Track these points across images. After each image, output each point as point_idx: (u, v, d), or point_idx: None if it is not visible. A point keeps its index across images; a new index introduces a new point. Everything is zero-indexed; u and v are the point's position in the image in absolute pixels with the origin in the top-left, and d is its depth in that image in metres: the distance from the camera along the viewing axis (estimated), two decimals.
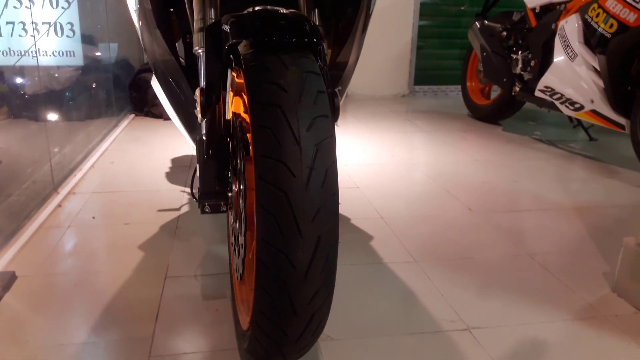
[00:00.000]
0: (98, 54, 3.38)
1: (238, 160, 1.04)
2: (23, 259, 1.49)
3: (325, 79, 1.02)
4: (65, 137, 2.66)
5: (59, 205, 1.90)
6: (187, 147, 2.67)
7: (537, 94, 2.78)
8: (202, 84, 1.07)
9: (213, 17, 1.11)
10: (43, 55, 2.92)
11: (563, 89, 2.61)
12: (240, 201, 1.04)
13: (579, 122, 2.94)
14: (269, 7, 1.01)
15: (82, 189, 2.09)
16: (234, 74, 1.09)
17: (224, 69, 1.07)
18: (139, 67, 3.67)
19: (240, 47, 0.94)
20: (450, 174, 2.37)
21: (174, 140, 2.82)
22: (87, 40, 3.18)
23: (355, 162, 2.53)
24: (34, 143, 2.65)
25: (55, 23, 2.93)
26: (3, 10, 2.74)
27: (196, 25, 1.12)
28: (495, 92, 3.43)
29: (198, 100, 1.04)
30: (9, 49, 2.84)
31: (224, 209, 1.07)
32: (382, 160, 2.60)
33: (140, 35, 1.32)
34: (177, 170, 2.35)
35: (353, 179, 2.25)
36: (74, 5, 2.93)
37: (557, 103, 2.69)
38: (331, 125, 0.88)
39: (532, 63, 2.88)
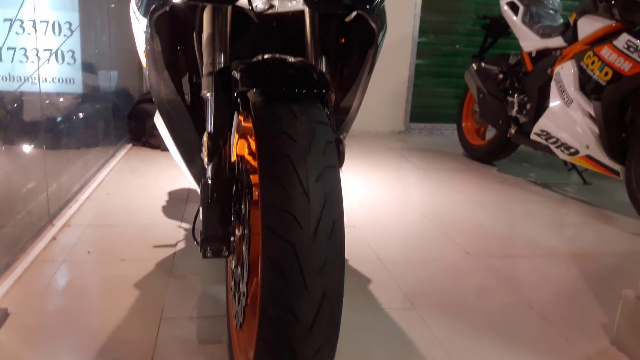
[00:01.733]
0: (98, 82, 3.40)
1: (242, 205, 1.03)
2: (16, 295, 1.46)
3: (332, 127, 1.03)
4: (62, 166, 2.65)
5: (54, 238, 1.88)
6: (183, 179, 2.67)
7: (533, 137, 2.82)
8: (210, 128, 1.07)
9: (222, 62, 1.12)
10: (43, 81, 2.93)
11: (558, 134, 2.64)
12: (244, 247, 1.03)
13: (574, 165, 2.97)
14: (277, 55, 1.03)
15: (77, 221, 2.07)
16: (241, 117, 1.10)
17: (231, 112, 1.08)
18: (138, 96, 3.69)
19: (250, 95, 0.95)
20: (447, 215, 2.38)
21: (171, 172, 2.81)
22: (88, 68, 3.19)
23: (353, 199, 2.53)
24: (30, 171, 2.64)
25: (57, 50, 2.95)
26: (7, 36, 2.76)
27: (205, 69, 1.13)
28: (491, 132, 3.47)
29: (205, 144, 1.04)
30: (9, 74, 2.85)
31: (226, 253, 1.06)
32: (379, 198, 2.60)
33: (147, 73, 1.33)
34: (174, 203, 2.34)
35: (351, 218, 2.24)
36: (77, 33, 2.95)
37: (552, 147, 2.72)
38: (339, 175, 0.89)
39: (528, 106, 2.92)
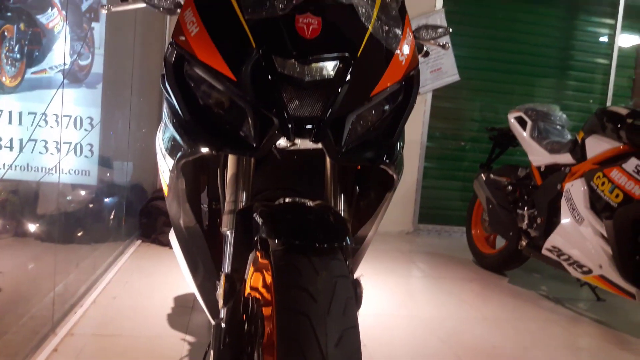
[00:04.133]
0: (113, 176, 3.46)
1: (255, 352, 1.01)
2: None
3: (350, 268, 1.03)
4: (72, 261, 2.63)
5: (55, 350, 1.82)
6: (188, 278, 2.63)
7: (544, 252, 2.80)
8: (227, 268, 1.07)
9: (244, 200, 1.14)
10: (58, 172, 2.97)
11: (570, 251, 2.62)
12: None
13: (586, 281, 2.92)
14: (297, 199, 1.05)
15: (81, 330, 2.02)
16: (259, 254, 1.10)
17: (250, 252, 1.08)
18: (152, 192, 3.74)
19: (271, 241, 0.95)
20: (459, 334, 2.31)
21: (178, 274, 2.78)
22: (105, 161, 3.25)
23: (362, 311, 2.47)
24: (38, 268, 2.62)
25: (77, 144, 3.02)
26: (33, 129, 2.85)
27: (227, 206, 1.15)
28: (501, 240, 3.46)
29: (222, 286, 1.03)
30: (28, 164, 2.90)
31: None
32: (389, 311, 2.54)
33: (168, 203, 1.35)
34: (179, 311, 2.30)
35: (361, 334, 2.18)
36: (97, 128, 3.03)
37: (564, 264, 2.69)
38: (358, 336, 0.87)
39: (539, 220, 2.92)
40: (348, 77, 1.00)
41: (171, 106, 1.12)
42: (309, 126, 0.98)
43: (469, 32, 4.55)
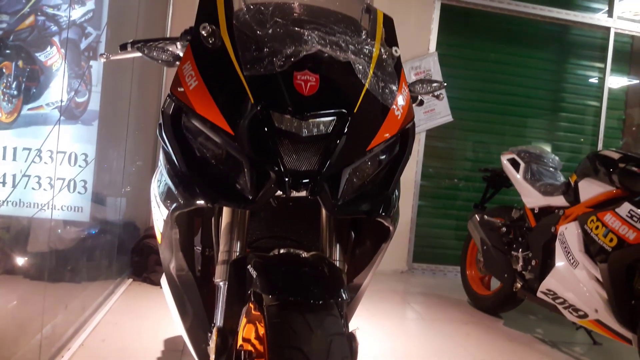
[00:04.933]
0: (106, 213, 3.43)
1: None
2: None
3: (345, 321, 1.01)
4: (60, 303, 2.57)
5: None
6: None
7: (539, 295, 2.78)
8: (219, 321, 1.06)
9: (238, 250, 1.13)
10: (51, 208, 2.94)
11: (565, 295, 2.60)
12: None
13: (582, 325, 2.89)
14: (291, 250, 1.04)
15: None
16: (252, 305, 1.08)
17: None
18: (144, 230, 3.71)
19: (265, 297, 0.94)
20: None
21: (168, 316, 2.73)
22: (98, 198, 3.22)
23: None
24: (25, 308, 2.56)
25: (70, 180, 3.00)
26: (28, 165, 2.84)
27: (221, 256, 1.14)
28: (496, 281, 3.43)
29: (214, 340, 1.01)
30: (20, 199, 2.88)
31: None
32: (384, 355, 2.50)
33: (160, 250, 1.34)
34: (169, 355, 2.25)
35: None
36: (91, 164, 3.02)
37: (560, 307, 2.67)
38: None
39: (533, 262, 2.91)
40: (345, 132, 1.01)
41: (167, 156, 1.12)
42: (305, 180, 0.98)
43: (462, 74, 4.64)
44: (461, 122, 4.59)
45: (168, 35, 4.03)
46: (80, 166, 3.02)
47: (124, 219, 3.59)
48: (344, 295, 0.95)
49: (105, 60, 1.39)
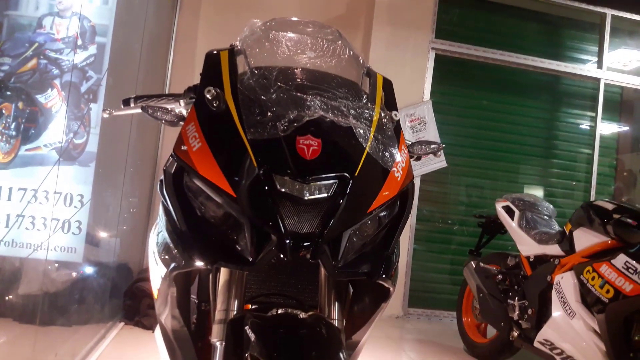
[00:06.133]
0: (99, 254, 3.40)
1: None
2: None
3: None
4: (50, 348, 2.53)
5: None
6: None
7: (536, 344, 2.75)
8: None
9: (236, 309, 1.13)
10: (44, 249, 2.91)
11: (563, 345, 2.58)
12: None
13: None
14: (289, 310, 1.04)
15: None
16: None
17: None
18: (137, 272, 3.68)
19: None
20: None
21: None
22: (92, 239, 3.20)
23: None
24: (16, 353, 2.51)
25: (65, 221, 2.98)
26: (26, 206, 2.82)
27: (218, 315, 1.13)
28: (492, 329, 3.40)
29: None
30: (13, 240, 2.85)
31: None
32: None
33: (157, 306, 1.32)
34: None
35: None
36: (87, 205, 3.01)
37: (557, 358, 2.64)
38: None
39: (529, 311, 2.90)
40: (346, 196, 1.02)
41: (167, 213, 1.12)
42: (306, 243, 0.99)
43: (455, 121, 4.73)
44: (455, 167, 4.64)
45: (168, 84, 4.10)
46: (75, 207, 3.01)
47: (118, 261, 3.56)
48: (342, 358, 0.95)
49: (108, 116, 1.41)
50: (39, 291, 2.92)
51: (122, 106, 1.32)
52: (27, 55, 3.05)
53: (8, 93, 3.06)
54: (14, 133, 3.01)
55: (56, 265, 3.06)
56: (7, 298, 3.05)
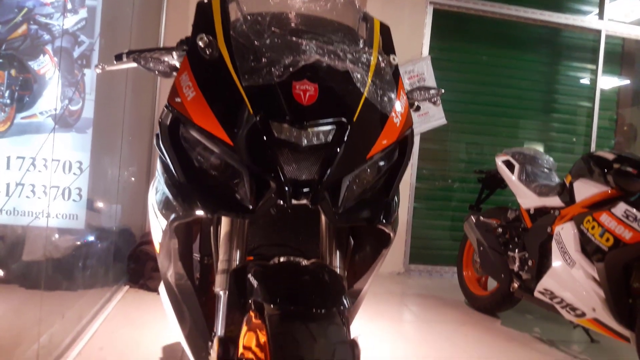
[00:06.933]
0: (101, 220, 3.42)
1: None
2: None
3: (347, 329, 1.01)
4: (56, 312, 2.56)
5: None
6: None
7: (537, 294, 2.79)
8: (220, 331, 1.05)
9: (238, 259, 1.13)
10: (45, 216, 2.92)
11: (563, 294, 2.62)
12: None
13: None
14: (292, 258, 1.04)
15: None
16: (252, 313, 1.08)
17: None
18: (140, 237, 3.70)
19: (267, 306, 0.94)
20: None
21: (166, 323, 2.72)
22: (93, 205, 3.21)
23: None
24: (22, 317, 2.55)
25: (65, 188, 2.98)
26: (24, 175, 2.82)
27: (220, 265, 1.13)
28: (493, 281, 3.44)
29: (215, 350, 1.01)
30: (14, 208, 2.86)
31: None
32: (382, 357, 2.50)
33: (159, 260, 1.33)
34: None
35: None
36: (86, 172, 3.01)
37: (557, 307, 2.68)
38: None
39: (530, 263, 2.93)
40: (344, 141, 1.01)
41: (165, 166, 1.12)
42: (305, 189, 0.98)
43: (455, 77, 4.67)
44: (455, 124, 4.61)
45: (162, 45, 4.03)
46: (74, 174, 3.01)
47: (120, 226, 3.58)
48: (345, 303, 0.96)
49: (100, 71, 1.39)
50: (42, 257, 2.94)
51: (115, 61, 1.30)
52: (17, 21, 2.99)
53: (0, 61, 3.01)
54: (8, 101, 2.98)
55: (58, 232, 3.07)
56: (11, 265, 3.08)
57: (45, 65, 2.98)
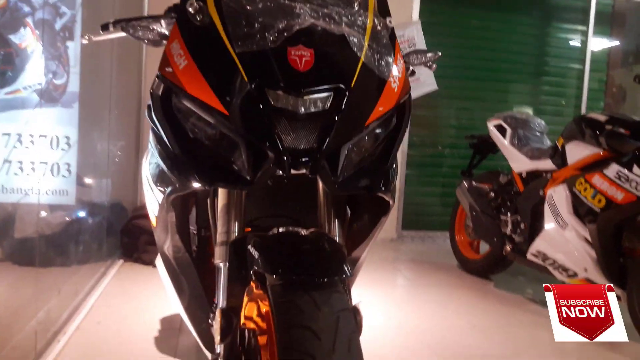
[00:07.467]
0: (92, 195, 3.39)
1: None
2: None
3: (349, 296, 1.02)
4: (52, 288, 2.56)
5: None
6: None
7: (529, 257, 2.83)
8: (222, 303, 1.05)
9: (237, 231, 1.12)
10: (35, 193, 2.89)
11: (555, 255, 2.65)
12: None
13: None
14: (291, 228, 1.03)
15: (66, 359, 1.97)
16: (253, 284, 1.08)
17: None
18: (132, 210, 3.68)
19: (268, 276, 0.94)
20: (449, 344, 2.31)
21: (162, 295, 2.73)
22: (83, 181, 3.19)
23: None
24: (18, 295, 2.54)
25: (53, 164, 2.94)
26: (11, 151, 2.77)
27: (219, 237, 1.12)
28: (485, 245, 3.48)
29: (218, 322, 1.01)
30: (2, 186, 2.82)
31: None
32: (376, 322, 2.53)
33: (156, 234, 1.32)
34: (166, 334, 2.26)
35: None
36: (74, 147, 2.97)
37: (550, 268, 2.72)
38: None
39: (522, 226, 2.95)
40: (343, 108, 0.99)
41: (158, 138, 1.09)
42: (304, 159, 0.97)
43: (445, 42, 4.61)
44: (445, 90, 4.57)
45: (146, 14, 3.92)
46: (63, 149, 2.96)
47: (111, 200, 3.55)
48: (347, 271, 0.95)
49: (87, 42, 1.34)
50: (34, 234, 2.92)
51: (101, 31, 1.25)
52: None
53: None
54: None
55: (49, 208, 3.04)
56: (3, 242, 3.06)
57: (27, 39, 2.90)
